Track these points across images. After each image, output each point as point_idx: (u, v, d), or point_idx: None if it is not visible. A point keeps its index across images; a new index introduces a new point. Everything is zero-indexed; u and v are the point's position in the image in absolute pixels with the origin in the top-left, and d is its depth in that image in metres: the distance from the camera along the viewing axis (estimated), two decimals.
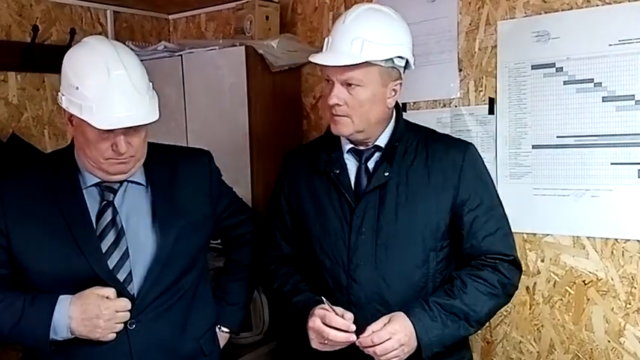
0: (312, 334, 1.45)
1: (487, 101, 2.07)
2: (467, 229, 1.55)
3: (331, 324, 1.42)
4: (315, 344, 1.45)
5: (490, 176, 1.63)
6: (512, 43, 2.00)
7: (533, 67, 1.97)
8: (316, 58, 1.51)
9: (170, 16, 2.96)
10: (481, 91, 2.09)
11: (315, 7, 2.47)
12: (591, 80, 1.87)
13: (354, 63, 1.44)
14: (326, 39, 1.54)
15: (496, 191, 1.62)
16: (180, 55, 2.45)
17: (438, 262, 1.55)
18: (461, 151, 1.58)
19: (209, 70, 2.38)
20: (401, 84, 1.55)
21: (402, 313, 1.44)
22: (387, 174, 1.54)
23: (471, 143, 1.63)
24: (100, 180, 1.46)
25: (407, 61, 1.53)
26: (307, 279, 1.62)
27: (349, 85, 1.47)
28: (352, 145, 1.60)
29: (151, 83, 1.44)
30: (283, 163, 1.75)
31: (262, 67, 2.32)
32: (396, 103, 1.59)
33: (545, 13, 1.94)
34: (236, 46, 2.31)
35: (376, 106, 1.51)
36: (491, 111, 2.07)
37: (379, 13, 1.51)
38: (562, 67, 1.91)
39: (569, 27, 1.89)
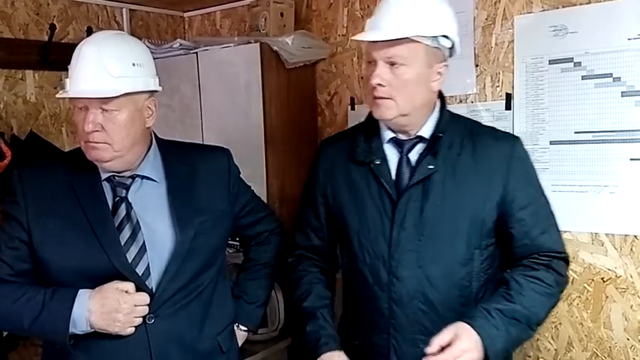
0: None
1: (504, 97, 2.06)
2: (518, 227, 1.47)
3: None
4: None
5: (536, 171, 1.54)
6: (529, 38, 1.98)
7: (551, 62, 1.94)
8: (360, 36, 1.46)
9: (185, 14, 2.97)
10: (498, 86, 2.07)
11: (330, 3, 2.47)
12: (610, 75, 1.84)
13: (401, 37, 1.37)
14: (368, 20, 1.48)
15: (542, 187, 1.53)
16: (196, 53, 2.46)
17: (483, 260, 1.48)
18: (509, 144, 1.51)
19: (224, 68, 2.38)
20: (446, 66, 1.47)
21: (467, 326, 1.36)
22: (431, 167, 1.46)
23: (518, 137, 1.55)
24: (109, 174, 1.48)
25: (452, 46, 1.46)
26: (344, 273, 1.58)
27: (393, 64, 1.41)
28: (393, 135, 1.51)
29: (137, 69, 1.42)
30: (318, 151, 1.66)
31: (277, 63, 2.32)
32: (440, 92, 1.53)
33: (563, 7, 1.91)
34: (251, 43, 2.32)
35: (420, 88, 1.44)
36: (508, 106, 2.05)
37: None
38: (580, 62, 1.89)
39: (587, 21, 1.87)
